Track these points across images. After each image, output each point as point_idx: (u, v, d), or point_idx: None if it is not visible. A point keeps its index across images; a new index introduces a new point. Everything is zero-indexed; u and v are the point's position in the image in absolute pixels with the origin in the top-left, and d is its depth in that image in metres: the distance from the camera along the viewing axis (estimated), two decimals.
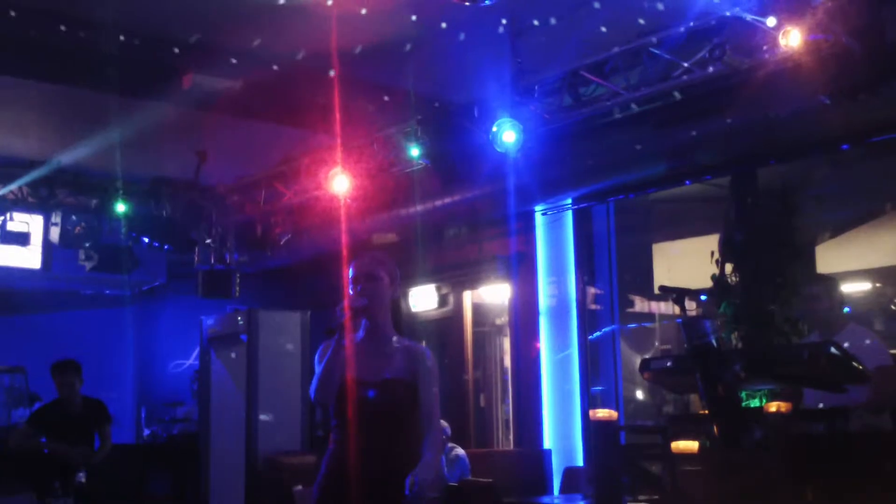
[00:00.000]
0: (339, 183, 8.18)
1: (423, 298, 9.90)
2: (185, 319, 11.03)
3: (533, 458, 8.18)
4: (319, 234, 9.16)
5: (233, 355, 9.79)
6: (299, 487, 6.99)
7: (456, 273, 9.60)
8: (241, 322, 9.63)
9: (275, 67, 6.98)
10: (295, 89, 7.36)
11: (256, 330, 9.49)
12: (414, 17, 6.33)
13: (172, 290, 11.74)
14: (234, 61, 6.91)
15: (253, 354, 9.44)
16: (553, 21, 6.37)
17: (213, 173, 9.29)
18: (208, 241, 9.88)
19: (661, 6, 5.97)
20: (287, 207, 9.21)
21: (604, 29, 6.28)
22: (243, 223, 9.80)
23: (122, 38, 6.56)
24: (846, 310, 6.38)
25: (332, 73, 6.74)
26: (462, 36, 6.52)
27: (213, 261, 9.91)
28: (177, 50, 6.83)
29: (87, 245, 9.62)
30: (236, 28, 6.56)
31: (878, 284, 9.53)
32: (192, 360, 11.46)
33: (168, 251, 9.70)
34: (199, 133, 8.39)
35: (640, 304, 9.80)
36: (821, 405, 5.51)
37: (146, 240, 9.43)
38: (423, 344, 4.33)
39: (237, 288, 9.93)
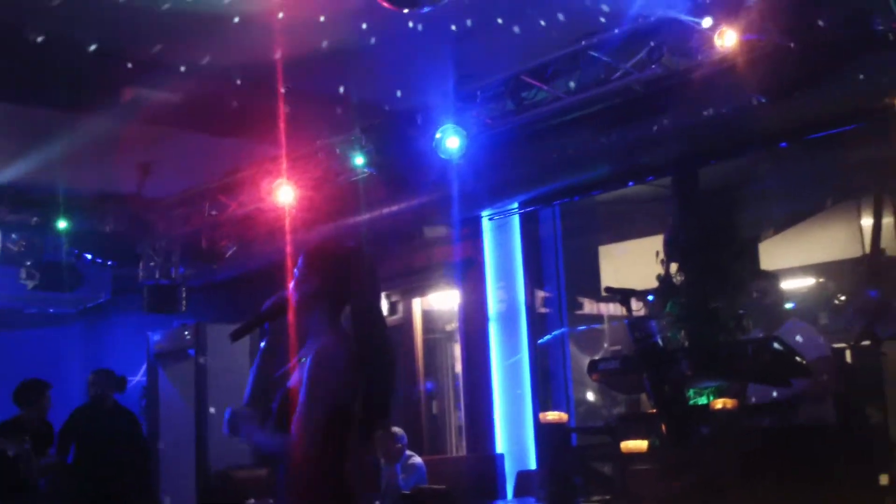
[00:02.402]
0: (284, 193, 8.14)
1: None
2: (131, 335, 10.89)
3: (485, 462, 8.18)
4: (265, 245, 9.09)
5: (180, 371, 9.70)
6: (251, 501, 6.94)
7: (405, 281, 9.58)
8: (188, 336, 9.54)
9: (216, 79, 6.93)
10: (237, 100, 7.30)
11: (204, 344, 9.40)
12: (355, 26, 6.31)
13: (118, 306, 11.57)
14: (174, 74, 6.84)
15: (201, 369, 9.35)
16: (494, 26, 6.38)
17: (157, 187, 9.19)
18: (153, 255, 9.77)
19: (600, 8, 6.00)
20: (232, 219, 9.12)
21: (545, 27, 6.27)
22: (188, 236, 9.70)
23: (62, 51, 6.48)
24: (791, 305, 6.49)
25: (274, 84, 6.70)
26: (403, 43, 6.51)
27: (158, 275, 9.80)
28: (117, 63, 6.75)
29: (29, 263, 9.47)
30: (176, 40, 6.49)
31: (821, 279, 9.65)
32: (140, 376, 11.32)
33: (112, 266, 9.58)
34: (143, 146, 8.28)
35: (589, 306, 9.85)
36: (774, 394, 5.59)
37: (89, 256, 9.30)
38: None
39: (184, 302, 9.83)
